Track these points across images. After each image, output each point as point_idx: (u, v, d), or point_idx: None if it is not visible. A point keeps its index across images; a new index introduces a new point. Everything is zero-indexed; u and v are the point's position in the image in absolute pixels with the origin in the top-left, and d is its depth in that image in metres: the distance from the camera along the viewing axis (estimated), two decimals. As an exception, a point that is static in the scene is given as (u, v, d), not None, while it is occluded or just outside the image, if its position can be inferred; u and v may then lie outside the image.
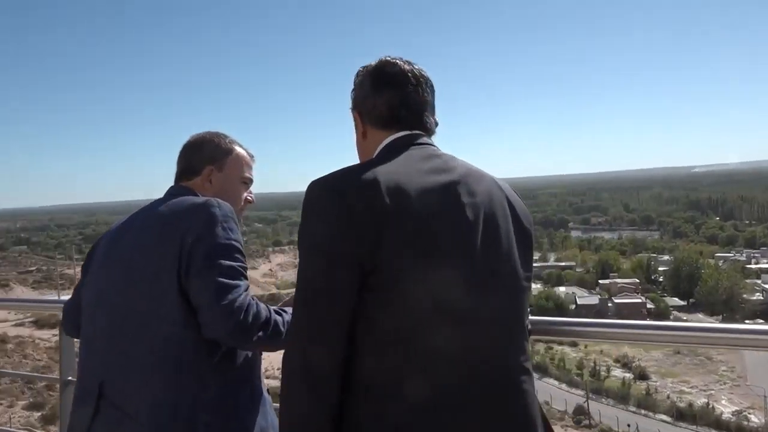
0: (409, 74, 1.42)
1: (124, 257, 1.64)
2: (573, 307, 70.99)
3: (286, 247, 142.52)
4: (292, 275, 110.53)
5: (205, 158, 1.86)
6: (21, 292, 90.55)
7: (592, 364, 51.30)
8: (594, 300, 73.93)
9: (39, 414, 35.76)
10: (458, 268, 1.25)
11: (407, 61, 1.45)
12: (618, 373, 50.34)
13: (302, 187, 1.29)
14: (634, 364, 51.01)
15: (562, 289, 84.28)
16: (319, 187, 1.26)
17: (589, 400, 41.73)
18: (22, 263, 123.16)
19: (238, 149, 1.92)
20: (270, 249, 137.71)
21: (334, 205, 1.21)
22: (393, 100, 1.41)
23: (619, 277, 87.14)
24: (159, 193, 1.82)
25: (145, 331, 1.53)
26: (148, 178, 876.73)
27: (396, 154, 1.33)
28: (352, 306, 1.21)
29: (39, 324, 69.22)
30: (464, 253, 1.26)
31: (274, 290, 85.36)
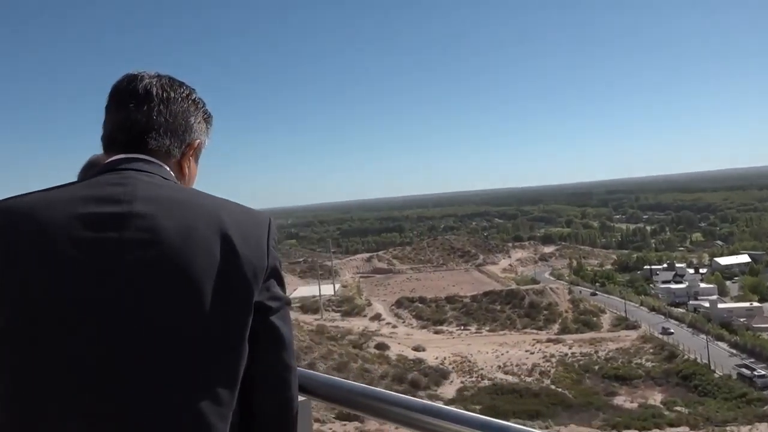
0: (139, 91, 1.19)
1: None
2: None
3: (527, 243, 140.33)
4: (531, 271, 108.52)
5: None
6: (290, 280, 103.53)
7: None
8: None
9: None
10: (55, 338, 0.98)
11: (144, 76, 1.22)
12: None
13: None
14: None
15: None
16: None
17: None
18: (292, 255, 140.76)
19: None
20: (510, 244, 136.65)
21: None
22: (111, 121, 1.21)
23: None
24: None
25: None
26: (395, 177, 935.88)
27: (81, 181, 1.16)
28: None
29: (304, 309, 78.07)
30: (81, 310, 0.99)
31: (513, 285, 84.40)
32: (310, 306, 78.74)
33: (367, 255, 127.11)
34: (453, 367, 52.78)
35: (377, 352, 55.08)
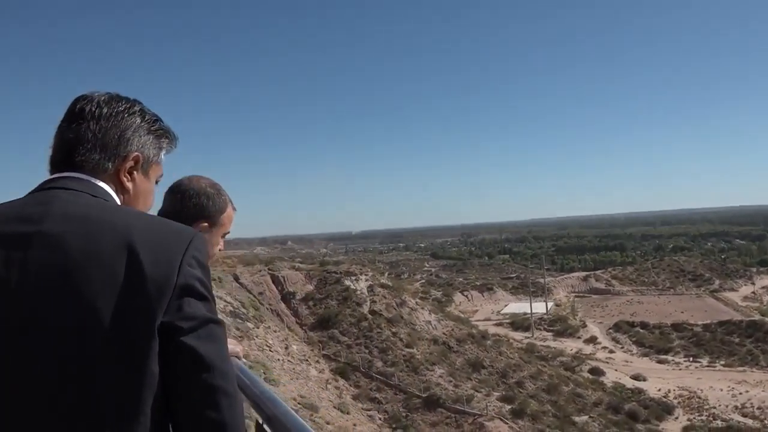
0: (75, 110, 1.21)
1: None
2: None
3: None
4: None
5: (202, 213, 1.87)
6: (501, 295, 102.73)
7: None
8: None
9: (509, 407, 39.23)
10: None
11: (86, 96, 1.23)
12: None
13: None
14: None
15: None
16: None
17: None
18: (504, 270, 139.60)
19: (228, 206, 1.94)
20: (754, 269, 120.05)
21: None
22: (54, 141, 1.23)
23: None
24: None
25: None
26: (612, 192, 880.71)
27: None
28: None
29: (514, 326, 76.84)
30: None
31: (757, 316, 73.88)
32: (520, 323, 77.28)
33: (584, 274, 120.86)
34: (678, 402, 47.89)
35: (591, 377, 52.18)
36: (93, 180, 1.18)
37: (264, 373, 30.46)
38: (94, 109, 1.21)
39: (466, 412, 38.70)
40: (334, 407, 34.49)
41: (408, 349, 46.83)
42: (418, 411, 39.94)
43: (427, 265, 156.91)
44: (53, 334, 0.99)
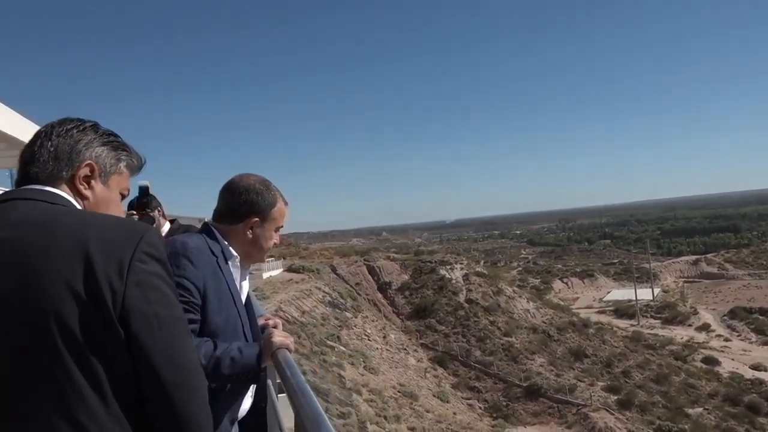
0: (33, 137, 1.34)
1: None
2: None
3: None
4: None
5: (252, 208, 1.98)
6: (603, 282, 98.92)
7: None
8: None
9: (615, 398, 37.83)
10: None
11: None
12: None
13: None
14: None
15: None
16: None
17: None
18: (605, 256, 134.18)
19: (279, 202, 2.04)
20: None
21: None
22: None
23: None
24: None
25: None
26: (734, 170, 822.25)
27: None
28: None
29: (618, 313, 73.79)
30: None
31: None
32: (624, 311, 74.10)
33: (693, 257, 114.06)
34: (807, 395, 44.29)
35: (705, 366, 49.19)
36: (50, 189, 1.26)
37: (363, 361, 31.05)
38: (47, 130, 1.33)
39: (570, 402, 37.66)
40: (434, 396, 34.63)
41: (506, 338, 46.14)
42: (518, 400, 39.31)
43: (524, 253, 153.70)
44: (8, 331, 1.07)
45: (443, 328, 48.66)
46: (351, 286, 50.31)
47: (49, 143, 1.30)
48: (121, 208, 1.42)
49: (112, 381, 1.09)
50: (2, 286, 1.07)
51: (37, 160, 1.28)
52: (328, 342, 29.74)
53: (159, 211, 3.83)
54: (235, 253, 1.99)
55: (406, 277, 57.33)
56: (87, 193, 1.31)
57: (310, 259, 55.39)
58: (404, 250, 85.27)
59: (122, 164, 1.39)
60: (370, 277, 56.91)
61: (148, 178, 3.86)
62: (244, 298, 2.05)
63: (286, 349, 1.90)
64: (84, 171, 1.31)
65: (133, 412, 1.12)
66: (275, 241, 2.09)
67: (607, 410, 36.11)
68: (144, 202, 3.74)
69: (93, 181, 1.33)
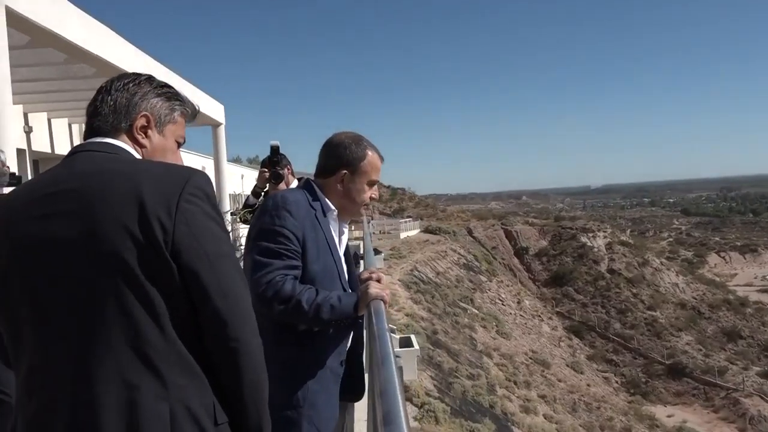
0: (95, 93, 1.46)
1: None
2: None
3: None
4: None
5: (341, 161, 2.10)
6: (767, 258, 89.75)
7: None
8: None
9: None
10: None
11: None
12: None
13: None
14: None
15: None
16: None
17: None
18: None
19: (371, 154, 2.13)
20: None
21: None
22: None
23: None
24: None
25: None
26: None
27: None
28: None
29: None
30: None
31: None
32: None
33: None
34: None
35: None
36: (110, 140, 1.39)
37: (496, 325, 31.05)
38: (107, 85, 1.44)
39: (718, 385, 35.20)
40: (567, 365, 33.93)
41: (650, 312, 43.79)
42: (659, 378, 37.41)
43: (677, 223, 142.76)
44: (75, 272, 1.23)
45: (581, 297, 47.19)
46: (487, 250, 50.08)
47: (109, 97, 1.42)
48: (178, 156, 1.52)
49: (171, 314, 1.23)
50: (72, 231, 1.23)
51: (99, 114, 1.41)
52: (461, 304, 30.00)
53: (288, 168, 4.04)
54: (332, 207, 2.11)
55: (544, 243, 55.96)
56: (144, 142, 1.43)
57: (447, 221, 55.62)
58: (544, 216, 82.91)
59: (176, 113, 1.49)
60: (507, 241, 56.24)
61: (279, 136, 4.10)
62: (342, 249, 2.17)
63: (381, 300, 2.04)
64: (141, 121, 1.42)
65: (191, 344, 1.25)
66: (371, 194, 2.18)
67: (762, 397, 33.34)
68: (275, 160, 3.94)
69: (149, 131, 1.44)
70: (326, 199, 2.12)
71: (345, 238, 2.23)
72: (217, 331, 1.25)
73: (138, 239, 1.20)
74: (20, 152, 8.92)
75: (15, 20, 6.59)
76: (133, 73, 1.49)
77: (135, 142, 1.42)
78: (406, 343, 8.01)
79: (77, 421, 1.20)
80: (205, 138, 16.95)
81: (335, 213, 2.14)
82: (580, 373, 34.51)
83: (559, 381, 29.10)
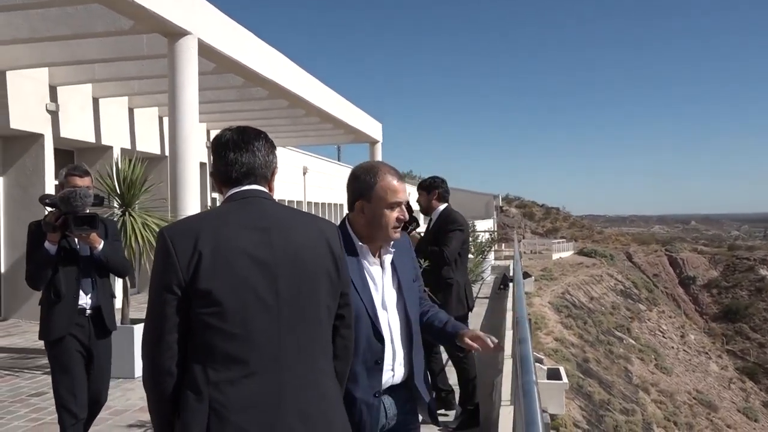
0: (240, 142, 1.75)
1: None
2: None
3: None
4: None
5: (356, 194, 2.18)
6: None
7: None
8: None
9: None
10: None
11: (248, 132, 1.78)
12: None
13: None
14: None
15: None
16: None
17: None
18: None
19: (382, 180, 2.15)
20: None
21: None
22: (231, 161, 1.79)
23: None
24: None
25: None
26: None
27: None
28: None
29: None
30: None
31: None
32: None
33: None
34: None
35: None
36: (265, 189, 1.75)
37: (655, 359, 28.93)
38: (258, 144, 1.76)
39: None
40: (738, 410, 30.62)
41: (843, 359, 38.33)
42: None
43: None
44: (297, 287, 1.63)
45: (758, 336, 42.51)
46: (648, 277, 46.88)
47: (260, 154, 1.77)
48: None
49: (333, 323, 1.73)
50: (305, 254, 1.65)
51: (257, 167, 1.77)
52: (617, 332, 28.35)
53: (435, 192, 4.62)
54: (358, 243, 2.16)
55: (715, 273, 51.25)
56: (274, 188, 1.83)
57: (603, 244, 53.00)
58: (716, 243, 75.83)
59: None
60: (671, 269, 52.29)
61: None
62: (382, 280, 2.18)
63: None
64: (275, 174, 1.83)
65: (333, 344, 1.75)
66: (398, 215, 2.18)
67: None
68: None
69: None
70: (352, 236, 2.17)
71: (387, 261, 2.21)
72: (349, 337, 1.84)
73: (330, 269, 1.70)
74: (202, 165, 9.96)
75: (204, 50, 7.48)
76: (263, 132, 1.85)
77: (271, 189, 1.81)
78: (553, 375, 7.74)
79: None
80: (362, 154, 17.78)
81: (363, 247, 2.17)
82: (754, 420, 31.02)
83: (728, 427, 26.43)
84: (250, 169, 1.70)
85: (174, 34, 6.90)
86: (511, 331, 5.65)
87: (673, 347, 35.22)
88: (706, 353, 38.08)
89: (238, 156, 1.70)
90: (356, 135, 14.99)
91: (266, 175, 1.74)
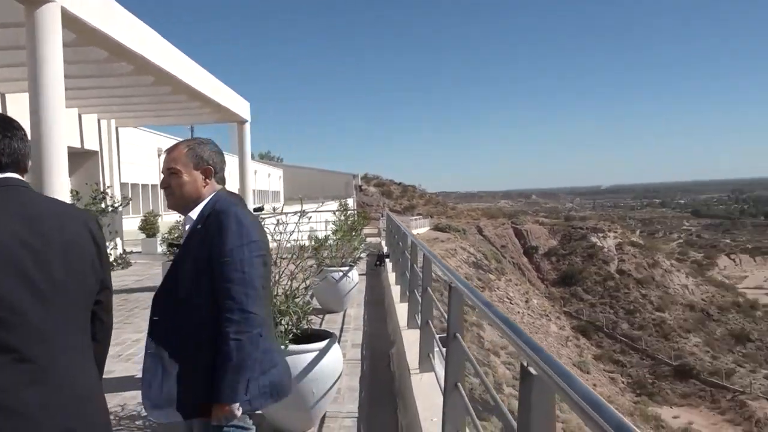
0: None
1: None
2: None
3: None
4: None
5: None
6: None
7: None
8: None
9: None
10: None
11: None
12: None
13: None
14: None
15: None
16: None
17: None
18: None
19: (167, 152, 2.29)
20: None
21: None
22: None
23: None
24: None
25: None
26: None
27: None
28: None
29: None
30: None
31: None
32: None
33: None
34: None
35: None
36: (23, 178, 1.70)
37: (504, 323, 31.31)
38: (22, 132, 1.72)
39: (725, 388, 35.35)
40: (574, 365, 34.14)
41: (658, 313, 43.91)
42: (666, 379, 37.58)
43: (687, 224, 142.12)
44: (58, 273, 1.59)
45: (590, 297, 47.32)
46: (496, 248, 50.24)
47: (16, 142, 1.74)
48: None
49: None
50: (75, 243, 1.65)
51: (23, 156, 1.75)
52: (471, 301, 30.32)
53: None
54: None
55: (554, 242, 56.04)
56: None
57: (456, 219, 55.81)
58: (554, 215, 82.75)
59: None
60: (516, 240, 56.35)
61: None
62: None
63: None
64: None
65: None
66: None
67: (769, 400, 33.50)
68: None
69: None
70: None
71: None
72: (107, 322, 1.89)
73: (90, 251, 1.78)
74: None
75: (67, 20, 6.89)
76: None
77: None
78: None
79: None
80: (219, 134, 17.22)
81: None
82: (587, 372, 34.72)
83: (567, 379, 29.29)
84: (15, 157, 1.67)
85: (34, 1, 6.33)
86: (406, 305, 5.96)
87: (519, 312, 38.22)
88: (547, 316, 41.78)
89: (7, 142, 1.66)
90: (223, 114, 14.55)
91: (26, 166, 1.73)
